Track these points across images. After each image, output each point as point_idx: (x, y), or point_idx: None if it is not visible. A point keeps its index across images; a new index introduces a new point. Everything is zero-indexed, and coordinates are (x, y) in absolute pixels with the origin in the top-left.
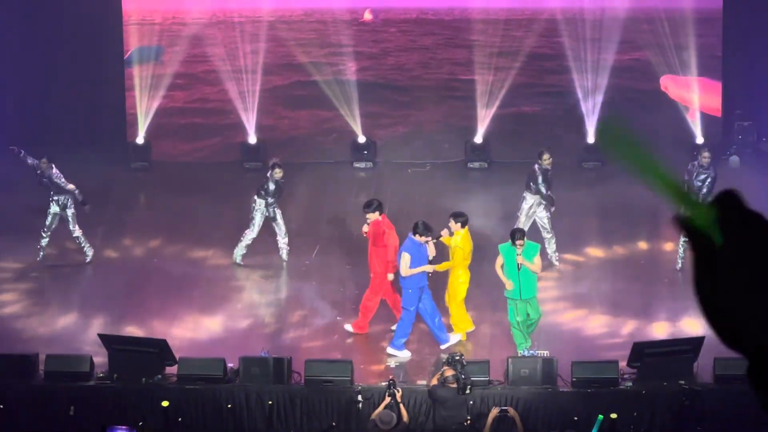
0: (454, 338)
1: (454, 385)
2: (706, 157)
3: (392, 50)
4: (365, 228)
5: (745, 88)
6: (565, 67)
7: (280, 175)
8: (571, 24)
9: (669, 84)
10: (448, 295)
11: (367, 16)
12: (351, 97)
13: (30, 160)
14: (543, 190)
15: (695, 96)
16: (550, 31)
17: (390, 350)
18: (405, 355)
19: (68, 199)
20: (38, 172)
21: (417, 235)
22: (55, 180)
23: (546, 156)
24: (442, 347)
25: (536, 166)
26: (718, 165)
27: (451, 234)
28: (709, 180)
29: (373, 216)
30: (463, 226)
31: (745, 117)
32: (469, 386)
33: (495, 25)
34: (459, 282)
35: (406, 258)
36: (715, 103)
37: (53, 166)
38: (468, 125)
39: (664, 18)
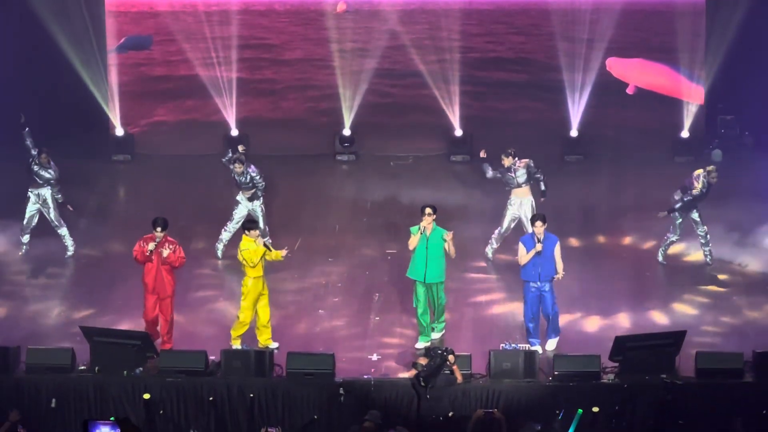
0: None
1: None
2: (714, 177)
3: (373, 42)
4: (151, 246)
5: (728, 81)
6: (552, 61)
7: (240, 170)
8: (554, 18)
9: (613, 65)
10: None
11: (341, 7)
12: (345, 87)
13: (29, 141)
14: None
15: (637, 76)
16: (534, 26)
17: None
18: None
19: (48, 197)
20: (31, 160)
21: (535, 226)
22: (49, 173)
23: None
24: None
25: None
26: (701, 158)
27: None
28: (693, 201)
29: (162, 234)
30: None
31: (727, 111)
32: (421, 378)
33: (477, 18)
34: None
35: (522, 248)
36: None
37: (50, 161)
38: (449, 120)
39: (648, 12)
